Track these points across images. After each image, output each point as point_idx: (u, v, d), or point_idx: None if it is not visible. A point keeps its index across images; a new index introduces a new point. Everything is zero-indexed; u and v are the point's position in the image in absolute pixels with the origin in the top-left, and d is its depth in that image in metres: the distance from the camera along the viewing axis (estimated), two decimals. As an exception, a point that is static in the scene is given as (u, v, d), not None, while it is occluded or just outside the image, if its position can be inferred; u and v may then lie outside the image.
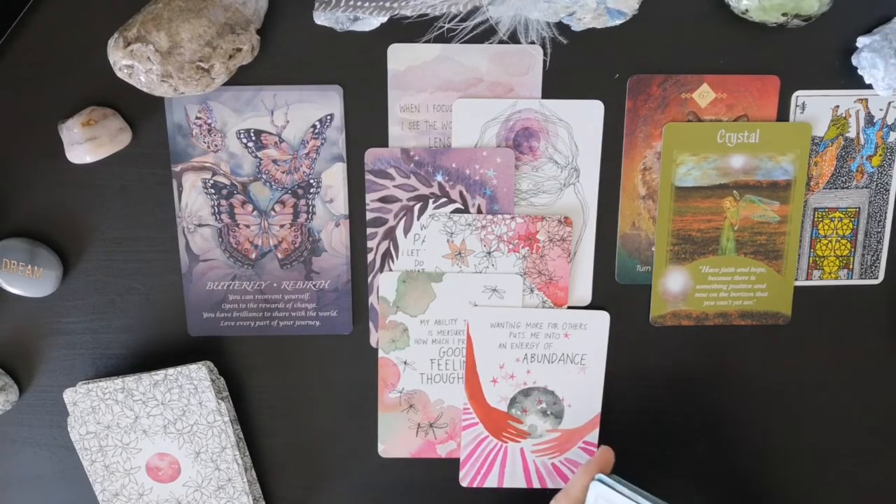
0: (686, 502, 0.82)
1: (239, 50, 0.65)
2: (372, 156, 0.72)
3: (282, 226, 0.73)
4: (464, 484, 0.80)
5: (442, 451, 0.79)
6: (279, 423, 0.78)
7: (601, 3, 0.66)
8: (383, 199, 0.73)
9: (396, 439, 0.78)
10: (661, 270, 0.75)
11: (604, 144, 0.72)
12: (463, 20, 0.67)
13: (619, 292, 0.76)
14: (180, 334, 0.76)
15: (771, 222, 0.74)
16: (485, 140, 0.72)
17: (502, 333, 0.75)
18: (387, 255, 0.74)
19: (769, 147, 0.73)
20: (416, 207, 0.73)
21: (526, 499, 0.80)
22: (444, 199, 0.73)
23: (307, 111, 0.71)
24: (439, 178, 0.73)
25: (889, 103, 0.73)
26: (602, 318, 0.76)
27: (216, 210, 0.73)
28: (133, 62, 0.63)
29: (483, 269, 0.74)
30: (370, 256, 0.74)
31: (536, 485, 0.79)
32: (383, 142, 0.72)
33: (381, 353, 0.76)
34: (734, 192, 0.74)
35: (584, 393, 0.77)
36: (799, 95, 0.72)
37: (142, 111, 0.70)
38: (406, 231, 0.74)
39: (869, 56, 0.69)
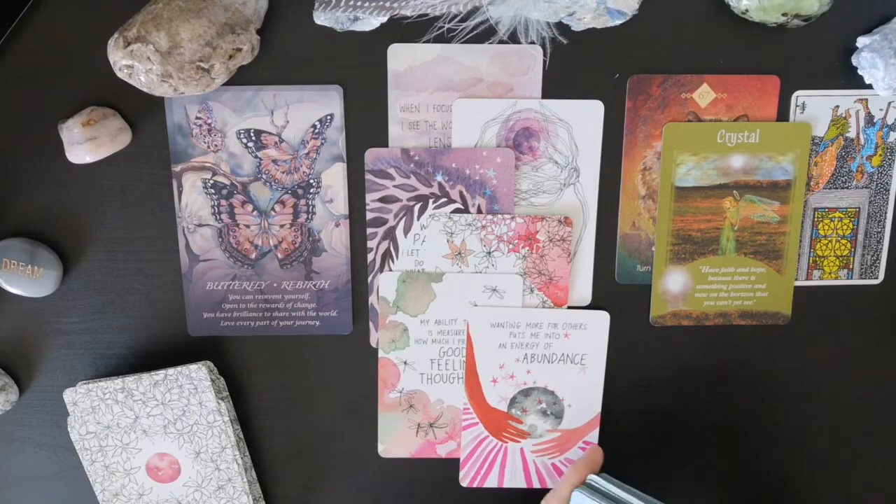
0: (686, 502, 0.82)
1: (239, 50, 0.65)
2: (372, 156, 0.72)
3: (282, 226, 0.73)
4: (464, 484, 0.80)
5: (442, 451, 0.79)
6: (279, 423, 0.78)
7: (601, 3, 0.66)
8: (383, 199, 0.73)
9: (396, 439, 0.78)
10: (661, 270, 0.75)
11: (604, 144, 0.72)
12: (463, 20, 0.67)
13: (619, 292, 0.76)
14: (180, 334, 0.76)
15: (771, 222, 0.74)
16: (485, 140, 0.72)
17: (502, 333, 0.75)
18: (387, 255, 0.74)
19: (769, 147, 0.73)
20: (416, 207, 0.73)
21: (526, 499, 0.80)
22: (444, 199, 0.73)
23: (307, 111, 0.71)
24: (439, 178, 0.73)
25: (889, 103, 0.73)
26: (602, 318, 0.76)
27: (216, 210, 0.73)
28: (133, 62, 0.63)
29: (483, 269, 0.74)
30: (370, 256, 0.74)
31: (536, 485, 0.79)
32: (383, 142, 0.72)
33: (381, 353, 0.76)
34: (734, 192, 0.74)
35: (584, 393, 0.77)
36: (799, 95, 0.72)
37: (142, 111, 0.70)
38: (406, 231, 0.74)
39: (869, 56, 0.69)
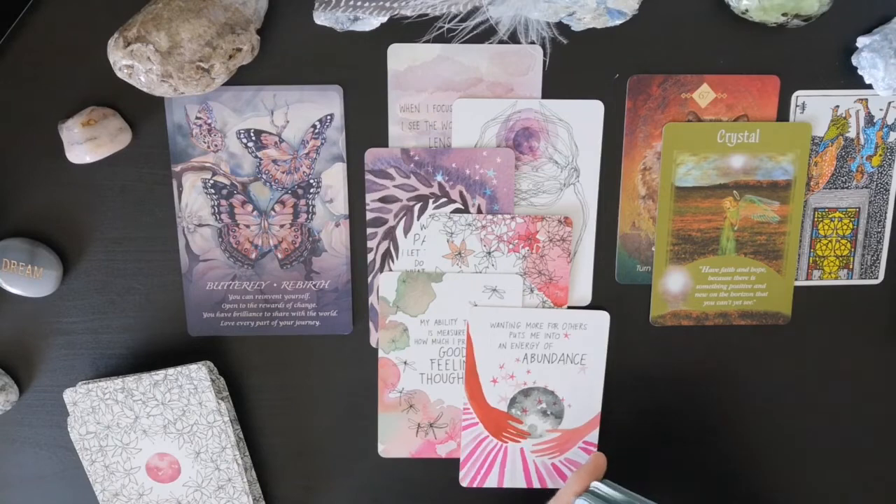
0: (686, 501, 0.82)
1: (239, 50, 0.65)
2: (372, 156, 0.72)
3: (282, 226, 0.73)
4: (464, 484, 0.80)
5: (442, 451, 0.79)
6: (279, 423, 0.78)
7: (601, 3, 0.66)
8: (383, 199, 0.73)
9: (396, 439, 0.78)
10: (661, 270, 0.75)
11: (604, 144, 0.72)
12: (463, 20, 0.67)
13: (619, 292, 0.76)
14: (180, 334, 0.76)
15: (771, 222, 0.74)
16: (485, 140, 0.72)
17: (502, 333, 0.75)
18: (387, 255, 0.74)
19: (769, 147, 0.73)
20: (416, 207, 0.73)
21: (526, 499, 0.80)
22: (444, 199, 0.73)
23: (307, 111, 0.71)
24: (439, 178, 0.73)
25: (889, 103, 0.73)
26: (602, 318, 0.76)
27: (216, 210, 0.73)
28: (133, 62, 0.63)
29: (483, 269, 0.74)
30: (370, 256, 0.74)
31: (536, 485, 0.79)
32: (383, 142, 0.72)
33: (381, 353, 0.76)
34: (734, 192, 0.74)
35: (584, 393, 0.77)
36: (799, 95, 0.72)
37: (142, 111, 0.70)
38: (406, 231, 0.74)
39: (869, 56, 0.69)
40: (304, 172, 0.72)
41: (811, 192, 0.74)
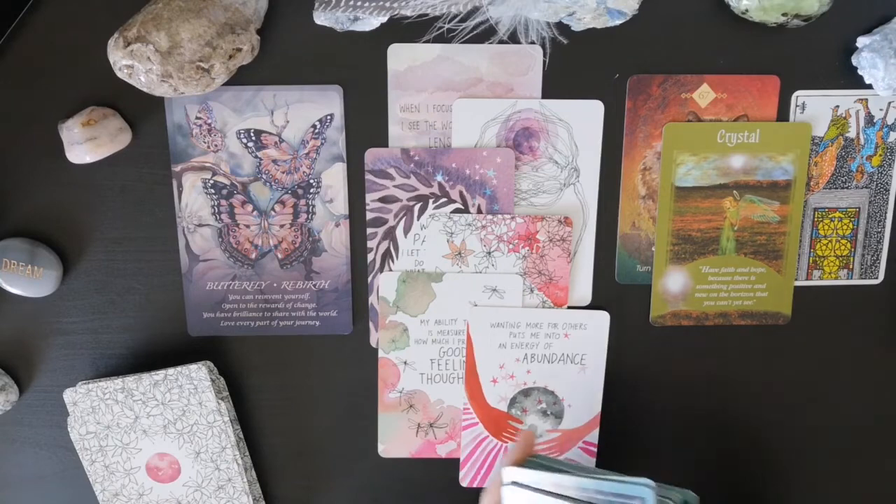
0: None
1: (239, 50, 0.65)
2: (372, 156, 0.72)
3: (282, 226, 0.73)
4: (464, 484, 0.80)
5: (442, 451, 0.79)
6: (279, 423, 0.78)
7: (601, 3, 0.66)
8: (383, 199, 0.73)
9: (396, 439, 0.78)
10: (661, 270, 0.75)
11: (604, 144, 0.72)
12: (463, 20, 0.67)
13: (619, 292, 0.76)
14: (180, 334, 0.76)
15: (771, 222, 0.74)
16: (485, 140, 0.72)
17: (502, 333, 0.75)
18: (387, 255, 0.74)
19: (769, 147, 0.73)
20: (416, 207, 0.73)
21: (526, 499, 0.80)
22: (444, 199, 0.73)
23: (307, 111, 0.71)
24: (439, 178, 0.73)
25: (889, 103, 0.73)
26: (602, 318, 0.76)
27: (216, 210, 0.73)
28: (133, 62, 0.63)
29: (483, 269, 0.74)
30: (370, 256, 0.74)
31: (536, 485, 0.79)
32: (383, 142, 0.72)
33: (381, 353, 0.76)
34: (734, 192, 0.74)
35: (584, 393, 0.77)
36: (799, 95, 0.72)
37: (142, 111, 0.70)
38: (406, 231, 0.74)
39: (869, 56, 0.69)
40: (304, 172, 0.72)
41: (811, 192, 0.74)
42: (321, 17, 0.67)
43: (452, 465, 0.79)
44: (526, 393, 0.77)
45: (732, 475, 0.81)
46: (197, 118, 0.71)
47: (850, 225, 0.75)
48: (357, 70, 0.70)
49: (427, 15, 0.66)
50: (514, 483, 0.61)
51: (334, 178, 0.72)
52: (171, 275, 0.74)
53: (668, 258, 0.75)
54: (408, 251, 0.74)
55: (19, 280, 0.71)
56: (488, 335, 0.75)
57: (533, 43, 0.68)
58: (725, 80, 0.71)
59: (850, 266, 0.76)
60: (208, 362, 0.74)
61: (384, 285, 0.74)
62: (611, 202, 0.74)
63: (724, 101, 0.72)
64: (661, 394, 0.79)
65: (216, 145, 0.71)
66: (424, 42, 0.69)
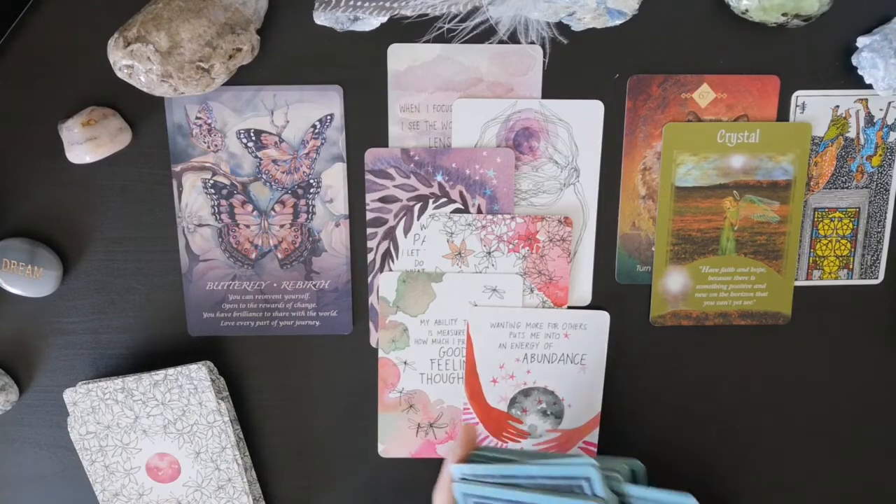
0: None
1: (239, 50, 0.65)
2: (372, 156, 0.72)
3: (282, 226, 0.73)
4: (464, 484, 0.80)
5: (442, 452, 0.79)
6: (279, 423, 0.78)
7: (601, 3, 0.66)
8: (383, 199, 0.73)
9: (396, 439, 0.78)
10: (661, 270, 0.75)
11: (604, 144, 0.72)
12: (463, 20, 0.67)
13: (619, 292, 0.76)
14: (180, 334, 0.76)
15: (771, 222, 0.74)
16: (485, 140, 0.72)
17: (502, 333, 0.75)
18: (387, 255, 0.74)
19: (769, 147, 0.73)
20: (416, 207, 0.73)
21: (526, 499, 0.80)
22: (444, 199, 0.73)
23: (307, 111, 0.71)
24: (439, 178, 0.73)
25: (889, 103, 0.73)
26: (602, 318, 0.76)
27: (216, 210, 0.73)
28: (133, 62, 0.63)
29: (483, 269, 0.74)
30: (370, 256, 0.74)
31: (536, 485, 0.79)
32: (383, 142, 0.72)
33: (381, 353, 0.76)
34: (734, 192, 0.74)
35: (584, 393, 0.77)
36: (799, 95, 0.72)
37: (142, 111, 0.70)
38: (406, 231, 0.74)
39: (869, 56, 0.69)
40: (304, 172, 0.72)
41: (811, 192, 0.74)
42: (321, 17, 0.67)
43: (452, 465, 0.79)
44: (526, 393, 0.77)
45: (731, 474, 0.81)
46: (197, 118, 0.71)
47: (850, 225, 0.75)
48: (357, 70, 0.70)
49: (427, 15, 0.66)
50: (464, 479, 0.61)
51: (334, 178, 0.72)
52: (171, 275, 0.74)
53: (668, 258, 0.75)
54: (408, 251, 0.74)
55: (19, 280, 0.71)
56: (488, 335, 0.75)
57: (533, 43, 0.68)
58: (725, 80, 0.71)
59: (850, 266, 0.76)
60: (208, 362, 0.74)
61: (384, 285, 0.74)
62: (611, 202, 0.74)
63: (724, 101, 0.72)
64: (661, 394, 0.79)
65: (216, 145, 0.71)
66: (424, 42, 0.69)
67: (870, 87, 0.71)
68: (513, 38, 0.67)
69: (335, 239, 0.74)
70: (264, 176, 0.72)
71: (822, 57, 0.71)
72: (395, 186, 0.73)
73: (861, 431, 0.80)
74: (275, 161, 0.72)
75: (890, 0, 0.70)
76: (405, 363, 0.76)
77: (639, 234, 0.75)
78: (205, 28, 0.63)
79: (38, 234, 0.73)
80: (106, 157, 0.69)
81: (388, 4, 0.66)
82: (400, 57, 0.70)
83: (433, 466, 0.79)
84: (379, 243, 0.74)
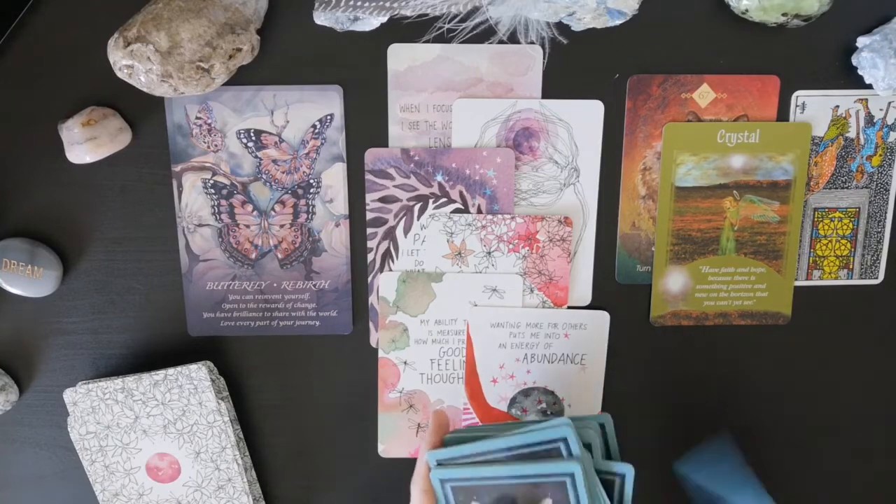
0: (686, 501, 0.82)
1: (239, 50, 0.65)
2: (372, 156, 0.72)
3: (282, 226, 0.73)
4: (464, 484, 0.80)
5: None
6: (279, 423, 0.78)
7: (601, 3, 0.66)
8: (383, 199, 0.73)
9: (396, 439, 0.78)
10: (661, 270, 0.75)
11: (604, 144, 0.72)
12: (463, 20, 0.67)
13: (619, 292, 0.76)
14: (180, 334, 0.76)
15: (771, 222, 0.74)
16: (485, 140, 0.72)
17: (502, 333, 0.75)
18: (387, 255, 0.74)
19: (769, 147, 0.73)
20: (416, 207, 0.73)
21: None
22: (444, 199, 0.73)
23: (307, 111, 0.71)
24: (439, 178, 0.73)
25: (889, 103, 0.73)
26: (602, 318, 0.76)
27: (216, 210, 0.73)
28: (133, 62, 0.63)
29: (483, 269, 0.74)
30: (370, 256, 0.74)
31: (536, 485, 0.79)
32: (383, 142, 0.72)
33: (381, 353, 0.76)
34: (734, 192, 0.74)
35: (584, 393, 0.77)
36: (799, 95, 0.72)
37: (142, 111, 0.70)
38: (406, 231, 0.74)
39: (869, 56, 0.69)
40: (304, 172, 0.72)
41: (811, 192, 0.74)
42: (321, 17, 0.67)
43: (452, 465, 0.79)
44: (526, 393, 0.77)
45: (732, 475, 0.81)
46: (197, 118, 0.71)
47: (850, 225, 0.75)
48: (357, 70, 0.70)
49: (427, 15, 0.66)
50: (440, 464, 0.60)
51: (334, 178, 0.72)
52: (171, 275, 0.74)
53: (668, 258, 0.75)
54: (408, 251, 0.74)
55: (19, 280, 0.71)
56: (488, 335, 0.75)
57: (533, 43, 0.68)
58: (725, 80, 0.71)
59: (850, 266, 0.76)
60: (208, 362, 0.74)
61: (384, 285, 0.74)
62: (611, 202, 0.74)
63: (724, 101, 0.72)
64: (661, 394, 0.79)
65: (216, 145, 0.71)
66: (424, 42, 0.69)
67: (870, 87, 0.71)
68: (513, 38, 0.67)
69: (335, 239, 0.74)
70: (264, 176, 0.72)
71: (822, 57, 0.71)
72: (395, 186, 0.73)
73: (861, 431, 0.80)
74: (275, 161, 0.72)
75: (890, 0, 0.70)
76: (405, 363, 0.76)
77: (639, 234, 0.75)
78: (205, 28, 0.63)
79: (38, 234, 0.73)
80: (106, 157, 0.69)
81: (388, 4, 0.66)
82: (400, 57, 0.70)
83: (433, 466, 0.79)
84: (379, 243, 0.74)
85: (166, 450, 0.75)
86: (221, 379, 0.75)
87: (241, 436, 0.77)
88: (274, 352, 0.76)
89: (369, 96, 0.71)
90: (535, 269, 0.74)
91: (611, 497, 0.58)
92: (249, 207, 0.73)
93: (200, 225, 0.73)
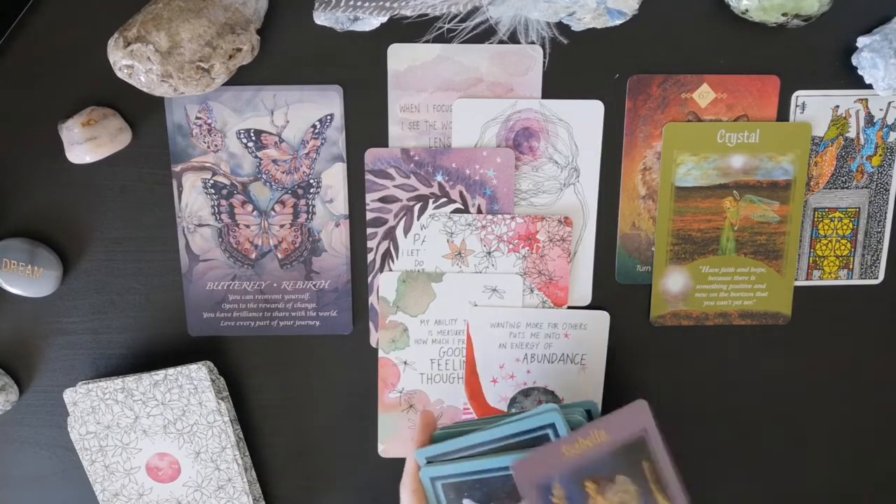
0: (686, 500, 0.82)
1: (239, 50, 0.65)
2: (372, 156, 0.72)
3: (282, 226, 0.73)
4: (464, 484, 0.80)
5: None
6: (279, 423, 0.78)
7: (601, 3, 0.66)
8: (383, 199, 0.73)
9: (396, 439, 0.78)
10: (661, 270, 0.75)
11: (604, 144, 0.72)
12: (463, 20, 0.67)
13: (619, 292, 0.76)
14: (180, 334, 0.76)
15: (771, 222, 0.74)
16: (485, 140, 0.72)
17: (502, 333, 0.75)
18: (387, 255, 0.74)
19: (769, 147, 0.73)
20: (416, 207, 0.73)
21: (526, 499, 0.80)
22: (444, 199, 0.73)
23: (307, 111, 0.71)
24: (439, 178, 0.73)
25: (889, 103, 0.73)
26: (602, 318, 0.76)
27: (216, 210, 0.73)
28: (133, 62, 0.63)
29: (483, 269, 0.74)
30: (370, 256, 0.74)
31: (536, 485, 0.79)
32: (383, 142, 0.72)
33: (381, 353, 0.76)
34: (734, 192, 0.74)
35: (584, 393, 0.77)
36: (799, 95, 0.72)
37: (142, 111, 0.70)
38: (406, 231, 0.74)
39: (869, 56, 0.69)
40: (304, 172, 0.72)
41: (811, 192, 0.74)
42: (321, 17, 0.67)
43: (452, 465, 0.79)
44: (526, 393, 0.77)
45: (731, 474, 0.81)
46: (197, 118, 0.71)
47: (850, 225, 0.75)
48: (357, 70, 0.70)
49: (427, 15, 0.66)
50: (430, 462, 0.60)
51: (334, 178, 0.72)
52: (171, 275, 0.74)
53: (668, 258, 0.75)
54: (408, 251, 0.74)
55: (19, 280, 0.71)
56: (488, 335, 0.75)
57: (533, 43, 0.68)
58: (725, 80, 0.71)
59: (850, 266, 0.76)
60: (208, 362, 0.74)
61: (384, 285, 0.74)
62: (611, 202, 0.74)
63: (724, 101, 0.72)
64: (661, 394, 0.79)
65: (216, 145, 0.71)
66: (424, 42, 0.69)
67: (870, 87, 0.71)
68: (513, 38, 0.67)
69: (335, 239, 0.74)
70: (264, 176, 0.72)
71: (822, 57, 0.71)
72: (395, 186, 0.73)
73: (861, 431, 0.80)
74: (275, 161, 0.72)
75: (890, 0, 0.70)
76: (405, 363, 0.76)
77: (639, 234, 0.75)
78: (205, 28, 0.63)
79: (38, 234, 0.73)
80: (106, 157, 0.69)
81: (388, 4, 0.66)
82: (400, 57, 0.70)
83: (433, 466, 0.79)
84: (379, 243, 0.74)
85: (166, 450, 0.75)
86: (221, 379, 0.75)
87: (241, 436, 0.77)
88: (274, 352, 0.76)
89: (369, 96, 0.71)
90: (535, 269, 0.74)
91: None
92: (249, 207, 0.73)
93: (200, 225, 0.73)
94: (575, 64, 0.70)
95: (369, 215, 0.73)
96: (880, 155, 0.74)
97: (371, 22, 0.67)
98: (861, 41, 0.70)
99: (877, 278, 0.77)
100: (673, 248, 0.75)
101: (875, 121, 0.73)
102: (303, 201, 0.73)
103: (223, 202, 0.73)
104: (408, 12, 0.66)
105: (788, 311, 0.77)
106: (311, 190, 0.73)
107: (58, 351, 0.76)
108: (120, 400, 0.73)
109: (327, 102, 0.71)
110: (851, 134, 0.73)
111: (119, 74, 0.65)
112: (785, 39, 0.71)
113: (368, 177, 0.72)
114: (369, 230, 0.74)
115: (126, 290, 0.74)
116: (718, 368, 0.78)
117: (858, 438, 0.81)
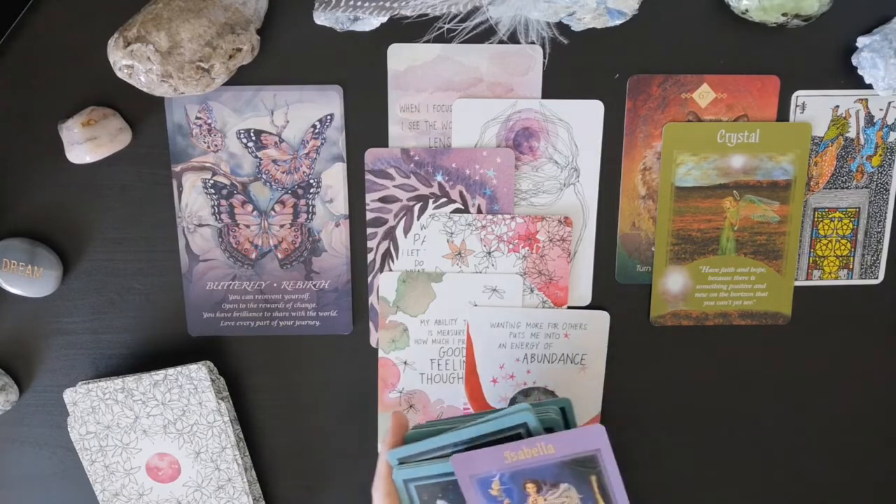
0: (686, 501, 0.82)
1: (239, 50, 0.65)
2: (372, 156, 0.72)
3: (282, 226, 0.73)
4: (464, 484, 0.80)
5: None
6: (279, 423, 0.78)
7: (601, 3, 0.66)
8: (383, 199, 0.73)
9: (396, 439, 0.78)
10: (661, 270, 0.75)
11: (604, 144, 0.72)
12: (463, 20, 0.67)
13: (619, 292, 0.76)
14: (180, 334, 0.76)
15: (771, 222, 0.74)
16: (485, 140, 0.72)
17: (502, 333, 0.75)
18: (387, 255, 0.74)
19: (769, 147, 0.73)
20: (416, 207, 0.73)
21: (526, 499, 0.80)
22: (444, 199, 0.73)
23: (307, 111, 0.71)
24: (439, 178, 0.73)
25: (889, 103, 0.73)
26: (602, 318, 0.76)
27: (216, 210, 0.73)
28: (133, 62, 0.63)
29: (483, 269, 0.74)
30: (370, 256, 0.74)
31: (536, 485, 0.79)
32: (383, 142, 0.72)
33: (381, 353, 0.76)
34: (734, 192, 0.74)
35: (584, 393, 0.77)
36: (799, 95, 0.72)
37: (142, 111, 0.70)
38: (406, 231, 0.74)
39: (869, 56, 0.69)
40: (304, 172, 0.72)
41: (811, 192, 0.74)
42: (321, 17, 0.67)
43: (452, 465, 0.79)
44: (526, 393, 0.77)
45: (731, 474, 0.81)
46: (197, 118, 0.71)
47: (850, 225, 0.75)
48: (357, 70, 0.70)
49: (427, 15, 0.66)
50: (402, 463, 0.59)
51: (334, 178, 0.72)
52: (171, 275, 0.74)
53: (668, 258, 0.75)
54: (408, 251, 0.74)
55: (19, 280, 0.71)
56: (488, 335, 0.75)
57: (533, 43, 0.68)
58: (725, 80, 0.71)
59: (850, 266, 0.76)
60: (208, 362, 0.74)
61: (384, 285, 0.74)
62: (611, 202, 0.74)
63: (724, 101, 0.72)
64: (661, 394, 0.79)
65: (216, 145, 0.71)
66: (424, 42, 0.69)
67: (870, 87, 0.71)
68: (513, 38, 0.67)
69: (335, 239, 0.74)
70: (264, 176, 0.72)
71: (822, 57, 0.71)
72: (395, 186, 0.73)
73: (861, 431, 0.80)
74: (275, 161, 0.72)
75: (890, 0, 0.70)
76: (405, 363, 0.76)
77: (639, 234, 0.75)
78: (205, 28, 0.63)
79: (38, 234, 0.73)
80: (106, 157, 0.69)
81: (388, 4, 0.66)
82: (400, 57, 0.70)
83: (433, 466, 0.79)
84: (379, 243, 0.74)
85: (166, 450, 0.75)
86: (221, 379, 0.75)
87: (241, 436, 0.77)
88: (274, 352, 0.76)
89: (369, 96, 0.71)
90: (535, 269, 0.74)
91: None
92: (249, 207, 0.73)
93: (200, 225, 0.73)
94: (575, 64, 0.70)
95: (369, 215, 0.73)
96: (880, 155, 0.74)
97: (371, 22, 0.67)
98: (861, 41, 0.70)
99: (877, 278, 0.77)
100: (673, 248, 0.75)
101: (875, 121, 0.73)
102: (303, 201, 0.73)
103: (223, 202, 0.73)
104: (408, 12, 0.66)
105: (788, 311, 0.77)
106: (311, 190, 0.73)
107: (58, 351, 0.76)
108: (120, 400, 0.73)
109: (327, 102, 0.71)
110: (851, 134, 0.73)
111: (119, 74, 0.65)
112: (785, 39, 0.71)
113: (368, 177, 0.72)
114: (369, 230, 0.74)
115: (126, 290, 0.74)
116: (718, 368, 0.78)
117: (858, 438, 0.81)
